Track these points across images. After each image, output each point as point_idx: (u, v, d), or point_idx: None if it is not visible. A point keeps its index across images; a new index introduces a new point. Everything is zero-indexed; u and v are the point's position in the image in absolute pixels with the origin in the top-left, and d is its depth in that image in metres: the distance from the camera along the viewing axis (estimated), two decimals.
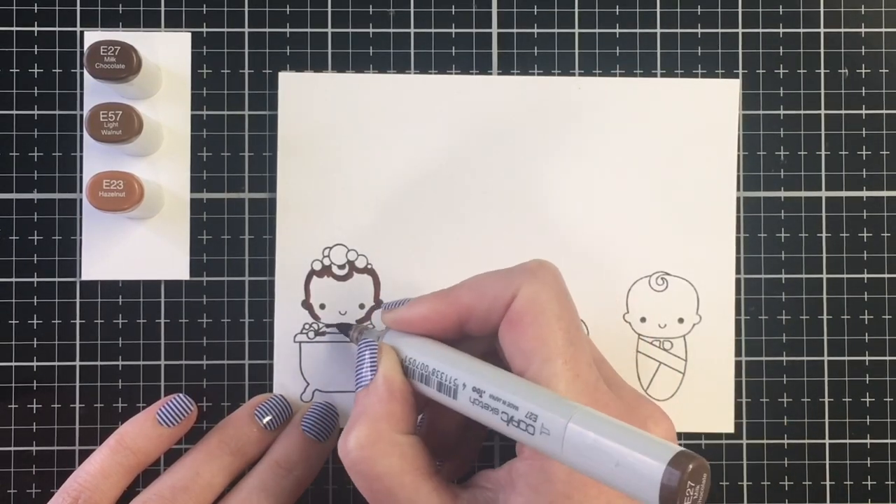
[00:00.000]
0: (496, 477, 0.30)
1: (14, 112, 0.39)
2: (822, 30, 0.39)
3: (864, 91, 0.39)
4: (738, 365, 0.39)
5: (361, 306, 0.39)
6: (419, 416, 0.33)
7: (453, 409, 0.30)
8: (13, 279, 0.38)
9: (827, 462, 0.39)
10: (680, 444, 0.25)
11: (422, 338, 0.32)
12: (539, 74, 0.39)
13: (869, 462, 0.39)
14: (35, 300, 0.38)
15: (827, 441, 0.39)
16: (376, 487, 0.29)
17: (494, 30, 0.39)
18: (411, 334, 0.32)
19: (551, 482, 0.28)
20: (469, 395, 0.29)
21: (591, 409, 0.26)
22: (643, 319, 0.39)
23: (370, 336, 0.34)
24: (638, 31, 0.39)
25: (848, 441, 0.39)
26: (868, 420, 0.39)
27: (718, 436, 0.39)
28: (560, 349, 0.29)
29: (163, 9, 0.39)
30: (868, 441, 0.39)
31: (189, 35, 0.39)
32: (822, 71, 0.39)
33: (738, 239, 0.39)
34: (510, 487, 0.29)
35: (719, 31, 0.39)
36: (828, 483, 0.39)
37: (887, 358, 0.39)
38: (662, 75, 0.39)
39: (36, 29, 0.39)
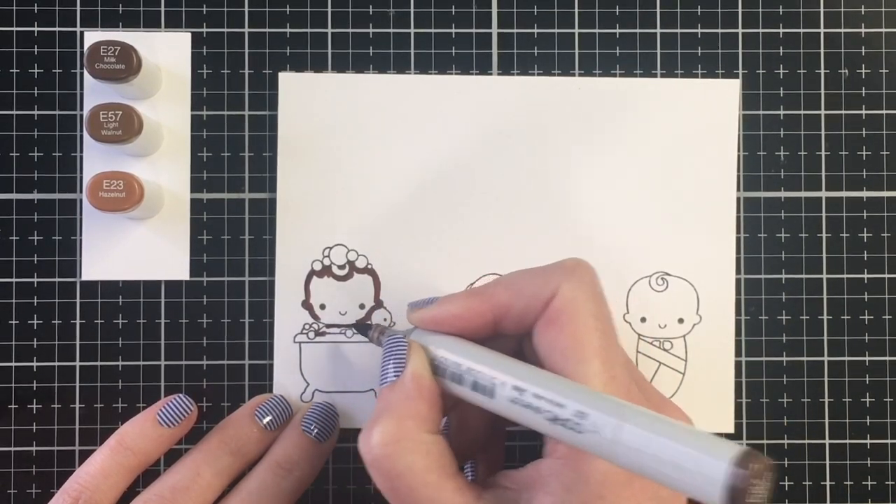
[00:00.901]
0: (520, 477, 0.30)
1: (14, 112, 0.39)
2: (822, 30, 0.39)
3: (864, 91, 0.39)
4: (738, 365, 0.39)
5: (361, 306, 0.39)
6: (443, 419, 0.33)
7: (488, 408, 0.29)
8: (13, 279, 0.38)
9: (827, 462, 0.39)
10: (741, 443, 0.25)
11: (453, 336, 0.31)
12: (539, 75, 0.39)
13: (869, 462, 0.39)
14: (35, 300, 0.38)
15: (827, 441, 0.39)
16: (398, 485, 0.29)
17: (494, 30, 0.39)
18: (441, 333, 0.31)
19: (586, 482, 0.28)
20: (509, 394, 0.28)
21: (644, 408, 0.25)
22: (643, 319, 0.39)
23: (395, 334, 0.34)
24: (638, 31, 0.39)
25: (848, 441, 0.39)
26: (868, 420, 0.39)
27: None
28: (597, 350, 0.28)
29: (163, 9, 0.39)
30: (868, 441, 0.39)
31: (189, 35, 0.39)
32: (822, 71, 0.39)
33: (738, 239, 0.39)
34: (537, 486, 0.29)
35: (719, 31, 0.39)
36: (828, 483, 0.39)
37: (887, 358, 0.39)
38: (662, 75, 0.39)
39: (36, 29, 0.39)
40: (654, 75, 0.39)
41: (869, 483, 0.39)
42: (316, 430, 0.36)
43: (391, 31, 0.39)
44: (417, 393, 0.30)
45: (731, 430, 0.39)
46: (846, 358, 0.39)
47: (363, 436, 0.29)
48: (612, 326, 0.30)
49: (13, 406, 0.38)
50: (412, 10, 0.39)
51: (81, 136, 0.39)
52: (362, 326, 0.37)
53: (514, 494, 0.29)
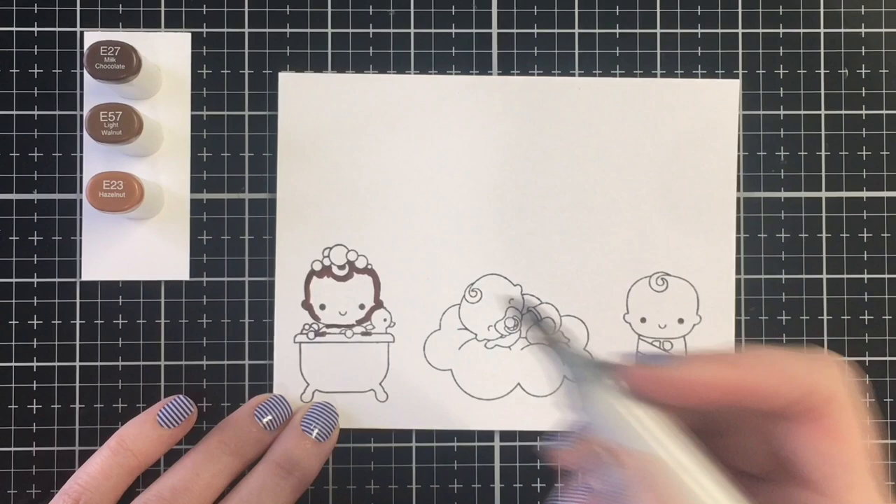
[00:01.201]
0: None
1: (14, 112, 0.39)
2: (822, 30, 0.39)
3: (863, 91, 0.39)
4: None
5: (361, 307, 0.39)
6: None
7: None
8: (13, 280, 0.38)
9: None
10: None
11: (673, 427, 0.24)
12: (539, 75, 0.39)
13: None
14: (35, 301, 0.38)
15: None
16: None
17: (494, 30, 0.39)
18: (641, 405, 0.24)
19: None
20: None
21: None
22: (643, 320, 0.39)
23: (562, 356, 0.26)
24: (638, 31, 0.39)
25: None
26: (868, 421, 0.39)
27: None
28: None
29: (163, 9, 0.39)
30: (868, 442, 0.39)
31: (189, 35, 0.39)
32: (822, 71, 0.39)
33: (738, 239, 0.39)
34: None
35: (719, 31, 0.39)
36: None
37: (887, 358, 0.39)
38: (662, 76, 0.39)
39: (36, 29, 0.39)
40: (654, 75, 0.39)
41: None
42: (316, 431, 0.36)
43: (391, 31, 0.39)
44: None
45: None
46: (846, 358, 0.39)
47: None
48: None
49: (13, 406, 0.38)
50: (412, 10, 0.39)
51: (81, 137, 0.39)
52: (538, 324, 0.29)
53: None
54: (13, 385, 0.38)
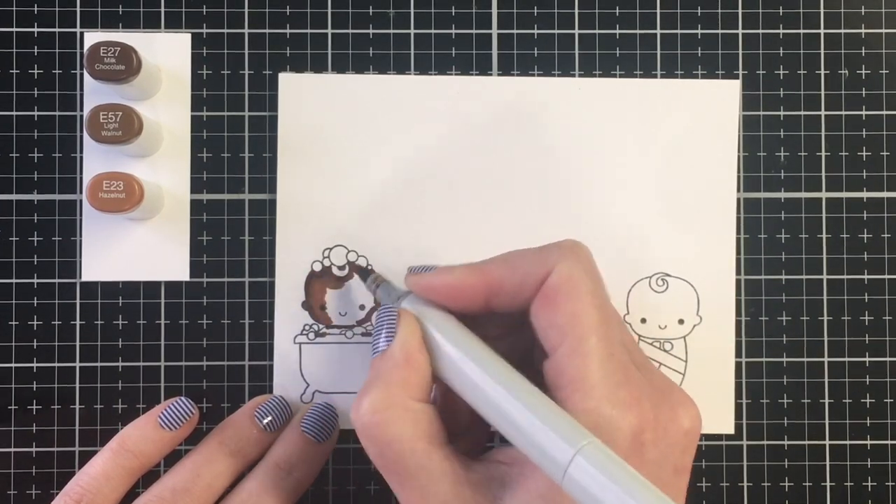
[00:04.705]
0: (513, 453, 0.29)
1: (14, 113, 0.39)
2: (822, 31, 0.39)
3: (864, 92, 0.39)
4: (738, 366, 0.39)
5: (362, 307, 0.39)
6: (433, 390, 0.32)
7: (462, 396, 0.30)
8: (13, 280, 0.38)
9: (827, 463, 0.39)
10: None
11: (445, 313, 0.31)
12: (539, 75, 0.39)
13: (869, 463, 0.39)
14: (35, 301, 0.38)
15: (827, 442, 0.39)
16: (387, 453, 0.29)
17: (494, 31, 0.39)
18: (433, 306, 0.31)
19: None
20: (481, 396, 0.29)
21: (604, 445, 0.25)
22: (643, 320, 0.39)
23: (389, 294, 0.34)
24: (638, 31, 0.39)
25: (848, 442, 0.39)
26: (868, 421, 0.39)
27: (718, 437, 0.39)
28: (594, 326, 0.28)
29: (163, 10, 0.39)
30: (868, 442, 0.39)
31: (189, 36, 0.39)
32: (823, 72, 0.39)
33: (738, 240, 0.39)
34: (529, 463, 0.28)
35: (719, 31, 0.39)
36: (828, 484, 0.39)
37: (887, 359, 0.39)
38: (662, 76, 0.39)
39: (36, 30, 0.39)
40: (654, 76, 0.39)
41: (869, 484, 0.39)
42: (315, 431, 0.36)
43: (391, 31, 0.39)
44: (406, 362, 0.30)
45: (731, 430, 0.39)
46: (846, 359, 0.39)
47: (354, 404, 0.30)
48: (610, 305, 0.30)
49: (13, 407, 0.38)
50: (412, 10, 0.39)
51: (81, 137, 0.39)
52: (363, 271, 0.37)
53: (505, 469, 0.29)
54: (13, 386, 0.38)
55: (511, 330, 0.32)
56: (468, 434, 0.35)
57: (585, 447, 0.25)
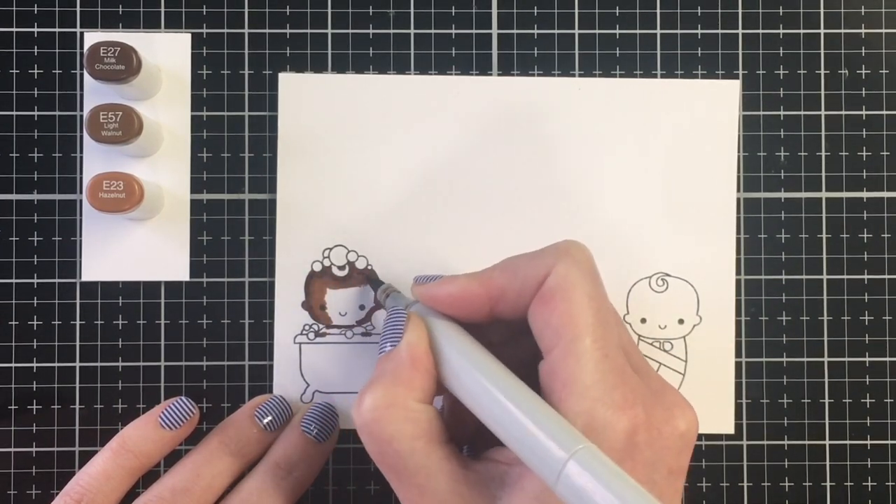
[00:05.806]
0: (513, 453, 0.30)
1: (14, 113, 0.39)
2: (822, 31, 0.39)
3: (864, 92, 0.39)
4: (738, 366, 0.39)
5: (362, 307, 0.39)
6: (437, 398, 0.32)
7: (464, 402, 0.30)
8: (13, 280, 0.38)
9: (827, 463, 0.39)
10: None
11: (452, 323, 0.32)
12: (539, 75, 0.39)
13: (869, 463, 0.39)
14: (35, 301, 0.38)
15: (827, 442, 0.39)
16: (386, 451, 0.29)
17: (494, 31, 0.39)
18: (439, 315, 0.32)
19: None
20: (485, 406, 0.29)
21: (598, 450, 0.25)
22: (643, 320, 0.39)
23: (399, 303, 0.34)
24: (638, 31, 0.39)
25: (848, 442, 0.39)
26: (868, 421, 0.39)
27: (719, 437, 0.39)
28: (590, 327, 0.28)
29: (163, 10, 0.39)
30: (868, 442, 0.39)
31: (189, 36, 0.39)
32: (823, 72, 0.39)
33: (738, 240, 0.39)
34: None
35: (719, 31, 0.39)
36: (828, 484, 0.39)
37: (887, 359, 0.39)
38: (662, 76, 0.39)
39: (36, 30, 0.39)
40: (654, 76, 0.39)
41: (869, 484, 0.39)
42: (316, 431, 0.36)
43: (391, 31, 0.39)
44: (410, 362, 0.30)
45: (731, 430, 0.39)
46: (846, 359, 0.39)
47: (356, 401, 0.30)
48: (607, 307, 0.30)
49: (13, 407, 0.38)
50: (412, 10, 0.39)
51: (81, 137, 0.39)
52: (374, 281, 0.38)
53: (504, 468, 0.29)
54: (13, 386, 0.38)
55: (516, 335, 0.32)
56: (475, 442, 0.35)
57: (579, 452, 0.25)
